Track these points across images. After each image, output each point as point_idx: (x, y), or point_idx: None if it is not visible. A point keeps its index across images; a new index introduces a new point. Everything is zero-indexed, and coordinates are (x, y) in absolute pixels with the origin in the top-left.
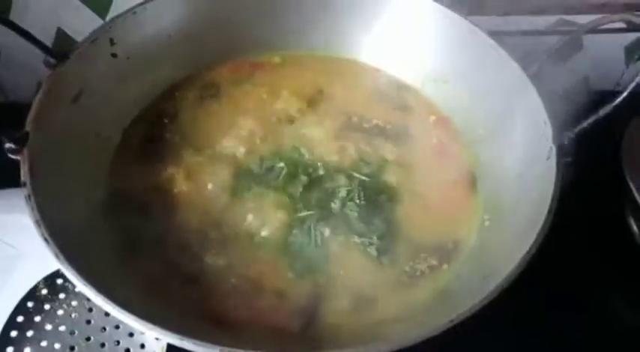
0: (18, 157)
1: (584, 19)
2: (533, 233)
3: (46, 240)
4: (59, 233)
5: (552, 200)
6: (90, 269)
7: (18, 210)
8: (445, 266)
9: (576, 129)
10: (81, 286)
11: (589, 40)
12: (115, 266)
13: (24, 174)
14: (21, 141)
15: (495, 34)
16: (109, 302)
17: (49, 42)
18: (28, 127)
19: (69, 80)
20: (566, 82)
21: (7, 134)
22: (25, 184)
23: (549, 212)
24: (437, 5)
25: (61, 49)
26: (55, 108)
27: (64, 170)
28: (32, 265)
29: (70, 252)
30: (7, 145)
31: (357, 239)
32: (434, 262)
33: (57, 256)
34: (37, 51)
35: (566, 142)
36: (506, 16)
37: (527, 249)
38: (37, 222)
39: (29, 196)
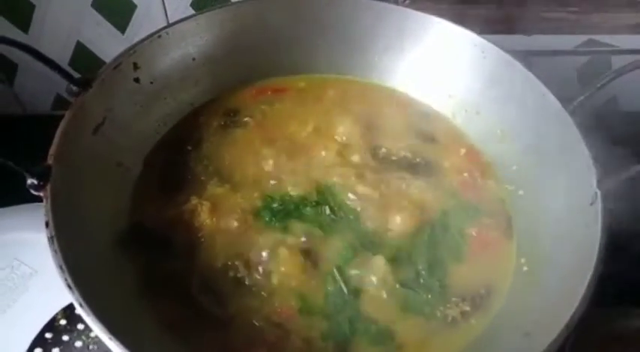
0: (41, 194)
1: (611, 40)
2: (582, 287)
3: (69, 286)
4: (81, 276)
5: (599, 253)
6: (112, 316)
7: (33, 228)
8: (479, 313)
9: (625, 175)
10: (106, 339)
11: (618, 59)
12: (135, 307)
13: (47, 213)
14: (44, 177)
15: (523, 54)
16: None
17: (67, 55)
18: (50, 161)
19: (92, 109)
20: (595, 104)
21: (29, 170)
22: (47, 224)
23: (596, 266)
24: (471, 34)
25: (81, 64)
26: (77, 139)
27: (85, 205)
28: (47, 284)
29: (92, 299)
30: (30, 181)
31: (387, 282)
32: (466, 308)
33: (81, 305)
34: None
35: (611, 187)
36: (534, 35)
37: (575, 307)
38: (60, 268)
39: (52, 238)
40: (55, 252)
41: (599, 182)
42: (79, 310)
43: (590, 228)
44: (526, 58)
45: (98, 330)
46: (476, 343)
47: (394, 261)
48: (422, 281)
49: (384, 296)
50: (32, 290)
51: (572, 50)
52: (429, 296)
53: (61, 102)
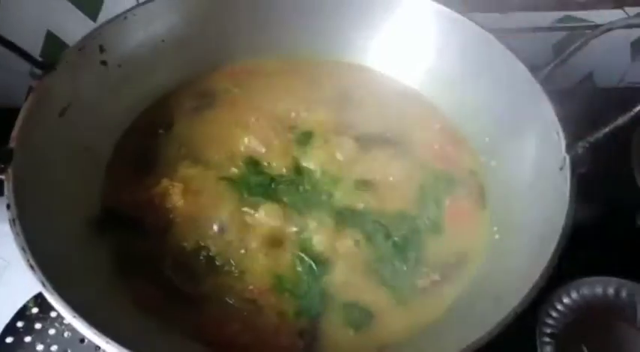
0: (2, 176)
1: (587, 15)
2: (549, 251)
3: (31, 267)
4: (47, 259)
5: (567, 215)
6: (79, 298)
7: (3, 220)
8: (450, 282)
9: (592, 139)
10: (70, 318)
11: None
12: (106, 289)
13: (8, 195)
14: (4, 159)
15: (498, 32)
16: (101, 335)
17: (38, 46)
18: (12, 144)
19: (56, 92)
20: (571, 80)
21: None
22: (9, 207)
23: (564, 228)
24: (441, 7)
25: (52, 53)
26: (42, 122)
27: (52, 188)
28: (20, 276)
29: (58, 280)
30: None
31: (357, 254)
32: (436, 278)
33: (43, 285)
34: None
35: (580, 152)
36: (508, 12)
37: (543, 268)
38: (22, 249)
39: (14, 220)
40: (17, 234)
41: (568, 146)
42: (42, 290)
43: (559, 192)
44: (502, 35)
45: (62, 310)
46: (451, 309)
47: (370, 235)
48: (398, 253)
49: (358, 270)
50: (4, 282)
51: (548, 26)
52: (405, 267)
53: None
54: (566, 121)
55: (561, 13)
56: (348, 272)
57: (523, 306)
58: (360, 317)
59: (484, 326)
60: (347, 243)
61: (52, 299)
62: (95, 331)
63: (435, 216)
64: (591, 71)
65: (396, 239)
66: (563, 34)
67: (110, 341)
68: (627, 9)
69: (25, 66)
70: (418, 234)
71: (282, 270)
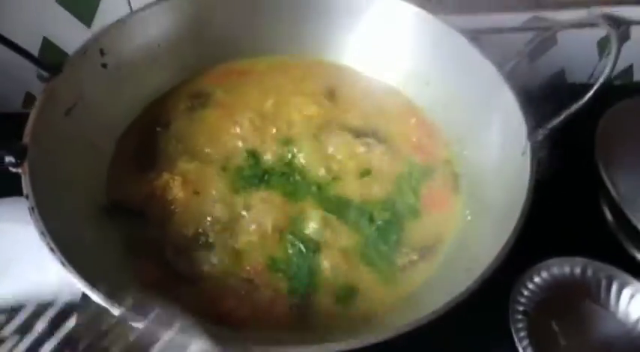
0: (19, 170)
1: (556, 15)
2: (511, 225)
3: (52, 249)
4: (63, 242)
5: (527, 195)
6: (94, 275)
7: (10, 219)
8: (426, 260)
9: (549, 126)
10: (87, 291)
11: (563, 35)
12: (116, 268)
13: (26, 186)
14: (20, 155)
15: (471, 33)
16: (117, 305)
17: (35, 52)
18: (25, 140)
19: (63, 93)
20: (543, 76)
21: (6, 147)
22: (27, 197)
23: (524, 205)
24: (414, 8)
25: (49, 59)
26: (50, 121)
27: (63, 181)
28: (27, 273)
29: (75, 260)
30: (8, 159)
31: (343, 237)
32: (415, 257)
33: (63, 264)
34: (25, 62)
35: (540, 139)
36: (478, 14)
37: (505, 240)
38: (42, 234)
39: (33, 208)
40: (37, 220)
41: (529, 133)
42: (62, 269)
43: (521, 175)
44: (475, 36)
45: (82, 285)
46: (426, 282)
47: (355, 220)
48: (380, 236)
49: (344, 252)
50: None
51: (518, 27)
52: (387, 248)
53: (31, 101)
54: (531, 110)
55: (530, 14)
56: (336, 254)
57: (489, 273)
58: (346, 294)
59: (456, 292)
60: (334, 228)
61: (73, 276)
62: (111, 302)
63: (413, 202)
64: (562, 68)
65: (379, 223)
66: (532, 33)
67: (119, 307)
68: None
69: (23, 73)
70: (399, 219)
71: (275, 252)
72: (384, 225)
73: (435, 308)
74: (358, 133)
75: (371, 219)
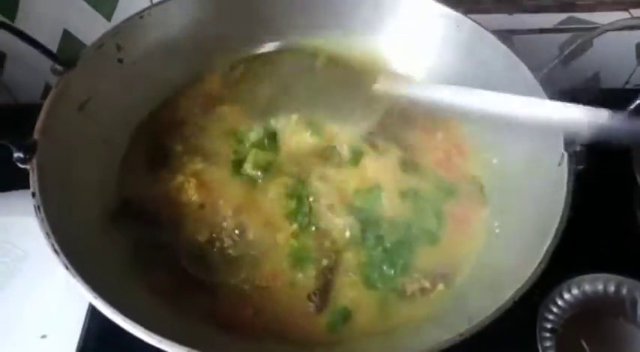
0: (27, 167)
1: (591, 17)
2: (545, 243)
3: (56, 252)
4: (69, 244)
5: (564, 210)
6: (99, 280)
7: (24, 212)
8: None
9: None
10: (90, 298)
11: (599, 38)
12: (124, 275)
13: (33, 184)
14: (29, 151)
15: (503, 33)
16: (119, 314)
17: (55, 44)
18: (36, 136)
19: (76, 87)
20: (577, 81)
21: (15, 143)
22: (34, 195)
23: (559, 224)
24: (443, 7)
25: (68, 52)
26: (63, 116)
27: (73, 179)
28: (38, 266)
29: (80, 264)
30: (16, 155)
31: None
32: (427, 285)
33: (67, 267)
34: None
35: (578, 149)
36: (514, 13)
37: (539, 260)
38: (47, 234)
39: (39, 207)
40: (42, 220)
41: (566, 144)
42: (65, 272)
43: (556, 188)
44: (509, 36)
45: (84, 291)
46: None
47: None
48: (387, 259)
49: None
50: (22, 273)
51: (552, 28)
52: (392, 272)
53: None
54: None
55: (566, 15)
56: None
57: (520, 294)
58: (346, 321)
59: (478, 316)
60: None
61: (75, 281)
62: (114, 310)
63: (433, 226)
64: (597, 72)
65: (387, 245)
66: (568, 35)
67: (127, 319)
68: (632, 11)
69: (42, 64)
70: (411, 242)
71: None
72: (392, 247)
73: (458, 332)
74: (380, 141)
75: (379, 239)
